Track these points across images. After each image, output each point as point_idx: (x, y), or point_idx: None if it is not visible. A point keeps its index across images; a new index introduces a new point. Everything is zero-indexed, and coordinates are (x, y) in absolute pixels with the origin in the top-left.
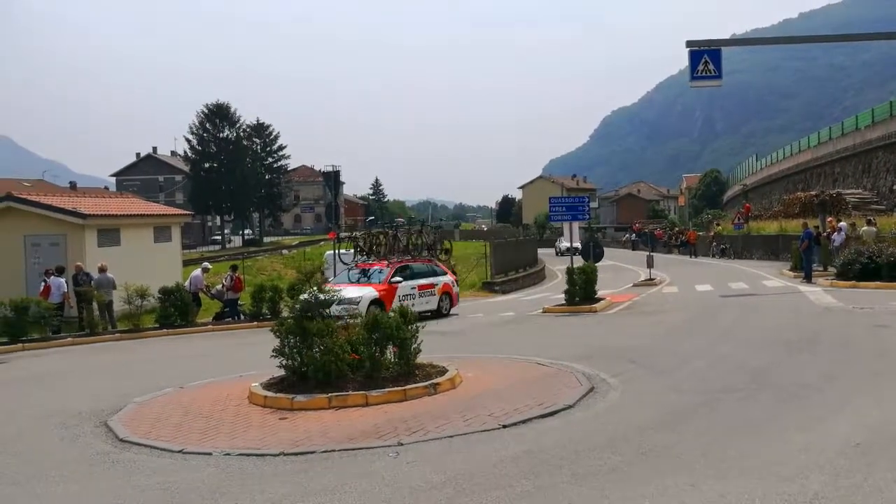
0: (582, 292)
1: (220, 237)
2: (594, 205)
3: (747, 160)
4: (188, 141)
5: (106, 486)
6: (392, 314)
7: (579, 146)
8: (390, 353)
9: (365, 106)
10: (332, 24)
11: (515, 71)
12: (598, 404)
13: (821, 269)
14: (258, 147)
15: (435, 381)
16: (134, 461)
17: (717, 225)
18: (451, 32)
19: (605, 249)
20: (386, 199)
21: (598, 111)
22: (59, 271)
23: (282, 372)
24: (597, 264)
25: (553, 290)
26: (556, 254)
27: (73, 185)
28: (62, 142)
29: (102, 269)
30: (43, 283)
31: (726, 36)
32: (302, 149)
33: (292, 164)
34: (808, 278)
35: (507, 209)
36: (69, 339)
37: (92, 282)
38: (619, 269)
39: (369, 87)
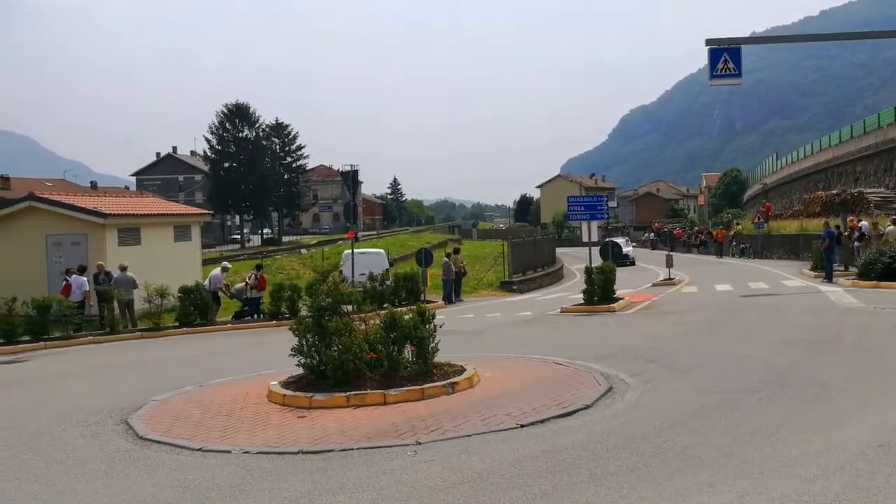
0: (600, 292)
1: (239, 236)
2: (613, 204)
3: (767, 159)
4: (208, 141)
5: (126, 484)
6: (410, 314)
7: (598, 145)
8: (408, 352)
9: (383, 106)
10: (351, 23)
11: (534, 69)
12: (616, 404)
13: (842, 268)
14: (277, 147)
15: (453, 380)
16: (154, 459)
17: (737, 224)
18: (471, 31)
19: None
20: (404, 199)
21: (616, 110)
22: (81, 270)
23: (300, 370)
24: (615, 264)
25: (571, 290)
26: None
27: (93, 185)
28: (83, 142)
29: (123, 269)
30: (64, 282)
31: (746, 34)
32: (320, 148)
33: (310, 163)
34: (828, 278)
35: (525, 208)
36: (90, 337)
37: (112, 281)
38: (637, 269)
39: (388, 87)
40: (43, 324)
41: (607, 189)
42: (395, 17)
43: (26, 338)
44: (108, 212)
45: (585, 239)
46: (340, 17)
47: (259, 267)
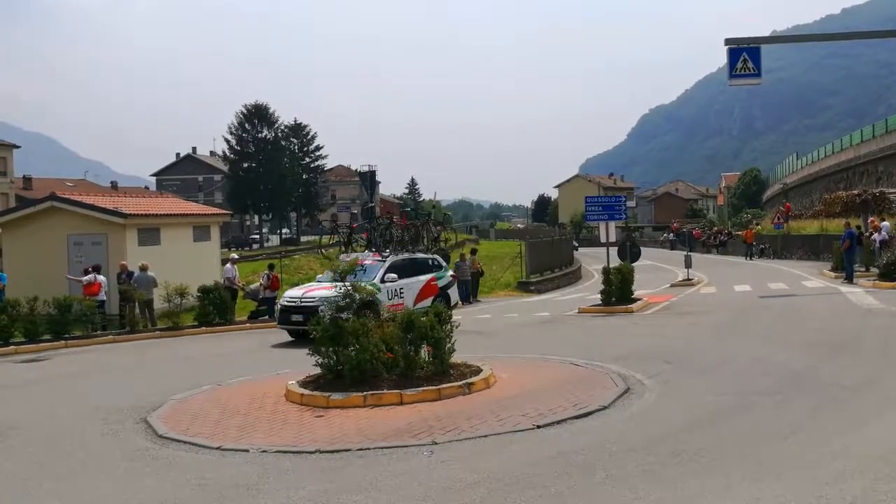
0: (618, 292)
1: (258, 236)
2: (631, 204)
3: (787, 159)
4: (227, 141)
5: (146, 482)
6: (427, 314)
7: (616, 145)
8: (425, 352)
9: (402, 106)
10: (371, 24)
11: (552, 68)
12: (633, 405)
13: (863, 269)
14: (295, 147)
15: (469, 380)
16: (173, 457)
17: (756, 224)
18: (490, 30)
19: (643, 249)
20: (421, 199)
21: (636, 109)
22: (96, 269)
23: (318, 370)
24: (633, 264)
25: (589, 290)
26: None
27: (114, 185)
28: (104, 143)
29: (143, 268)
30: (88, 281)
31: (766, 33)
32: (338, 149)
33: (329, 163)
34: (849, 279)
35: (543, 208)
36: (110, 336)
37: (132, 280)
38: (656, 269)
39: (406, 87)
40: (64, 323)
41: (626, 189)
42: (409, 14)
43: (47, 336)
44: (128, 212)
45: (603, 239)
46: (354, 17)
47: (272, 267)
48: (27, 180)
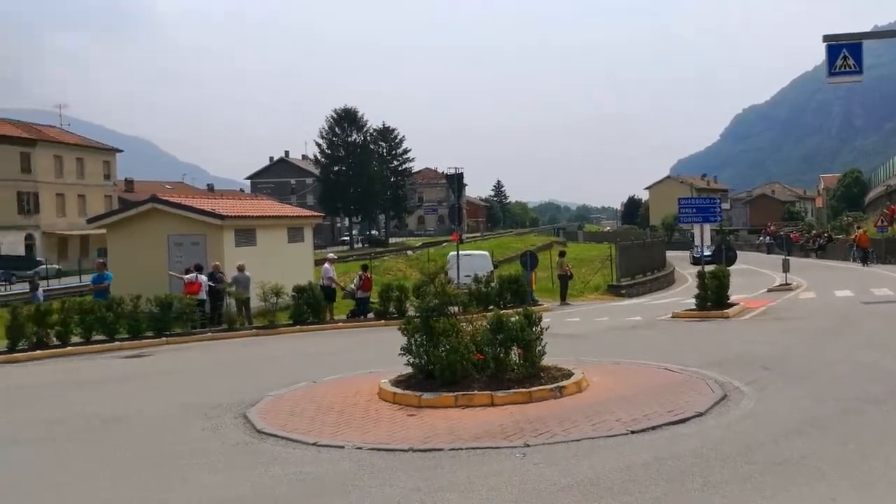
0: (714, 297)
1: (347, 238)
2: (726, 206)
3: (892, 159)
4: (318, 145)
5: (246, 475)
6: (517, 316)
7: (709, 145)
8: (515, 354)
9: (485, 107)
10: (454, 30)
11: (642, 67)
12: (731, 412)
13: None
14: (384, 150)
15: (560, 384)
16: (271, 452)
17: (858, 228)
18: (577, 27)
19: (738, 253)
20: (508, 201)
21: (729, 108)
22: (198, 269)
23: (409, 370)
24: (729, 268)
25: (682, 295)
26: (692, 262)
27: (210, 188)
28: (200, 146)
29: (241, 269)
30: (190, 280)
31: (868, 28)
32: (425, 152)
33: (416, 166)
34: None
35: (633, 210)
36: (209, 334)
37: (231, 280)
38: (752, 274)
39: (490, 89)
40: (165, 320)
41: (719, 191)
42: (500, 18)
43: (150, 333)
44: (225, 213)
45: (698, 242)
46: (441, 26)
47: (365, 268)
48: (129, 183)
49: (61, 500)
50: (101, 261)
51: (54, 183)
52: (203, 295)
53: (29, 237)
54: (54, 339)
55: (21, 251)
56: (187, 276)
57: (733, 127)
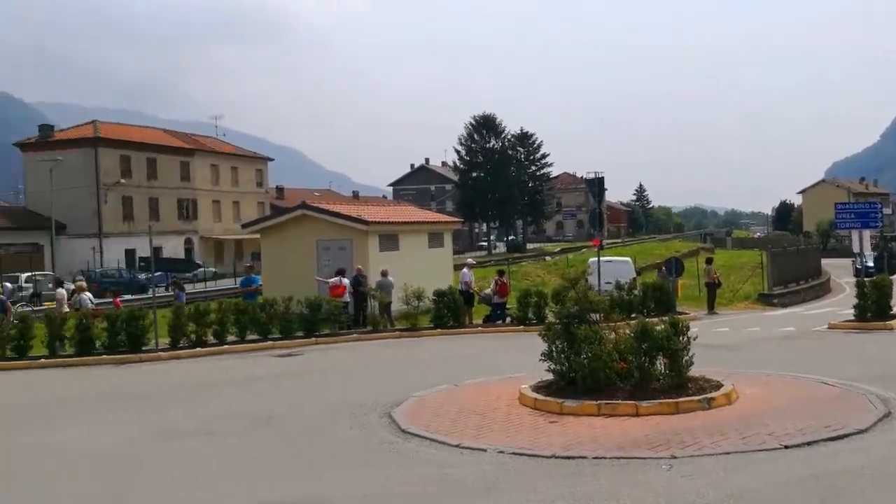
0: (874, 307)
1: (486, 243)
2: (887, 211)
3: None
4: (457, 152)
5: (392, 473)
6: (662, 325)
7: (867, 147)
8: (660, 363)
9: (626, 108)
10: (592, 33)
11: (791, 66)
12: (895, 430)
13: None
14: (522, 156)
15: (709, 395)
16: (416, 451)
17: None
18: (727, 29)
19: None
20: (650, 206)
21: (889, 107)
22: (340, 273)
23: (550, 376)
24: (892, 277)
25: (839, 305)
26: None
27: (355, 195)
28: (345, 155)
29: (384, 274)
30: (334, 283)
31: None
32: (563, 157)
33: (554, 171)
34: None
35: (785, 216)
36: (354, 335)
37: (376, 284)
38: None
39: (632, 91)
40: (314, 321)
41: (880, 195)
42: (623, 16)
43: (300, 334)
44: (369, 219)
45: (856, 249)
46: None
47: (501, 273)
48: (279, 190)
49: (222, 493)
50: (248, 264)
51: (211, 190)
52: (347, 297)
53: (188, 241)
54: (212, 337)
55: (181, 254)
56: (332, 279)
57: (895, 126)
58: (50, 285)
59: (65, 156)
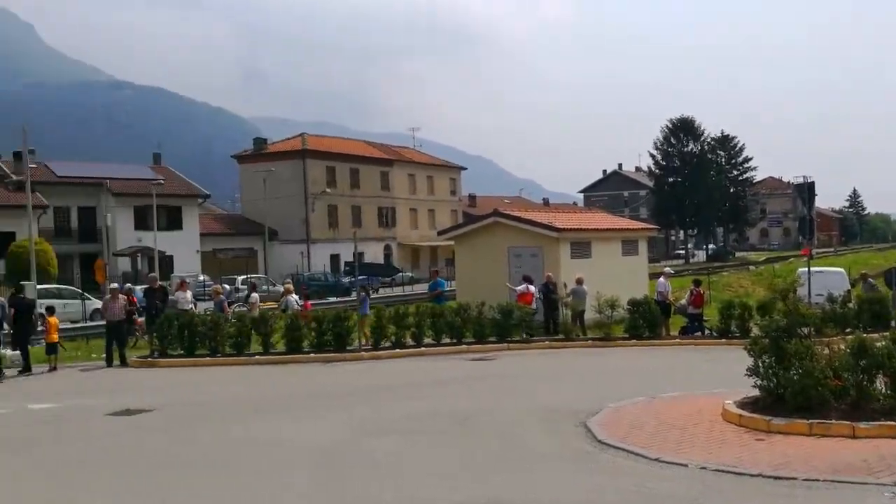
0: None
1: (683, 251)
2: None
3: None
4: (652, 156)
5: (590, 482)
6: (883, 341)
7: None
8: (880, 382)
9: (840, 109)
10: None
11: None
12: None
13: None
14: (722, 160)
15: None
16: (613, 463)
17: None
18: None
19: None
20: (866, 213)
21: None
22: (527, 280)
23: (756, 392)
24: None
25: None
26: None
27: (545, 202)
28: (534, 162)
29: (579, 282)
30: (522, 291)
31: None
32: (768, 160)
33: (758, 175)
34: None
35: None
36: (546, 342)
37: (570, 291)
38: None
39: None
40: (506, 327)
41: None
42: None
43: (492, 339)
44: (561, 226)
45: None
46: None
47: (697, 283)
48: (471, 198)
49: (425, 491)
50: (434, 269)
51: (408, 199)
52: (535, 305)
53: (387, 247)
54: (410, 339)
55: (380, 260)
56: (519, 287)
57: None
58: (243, 289)
59: (276, 167)
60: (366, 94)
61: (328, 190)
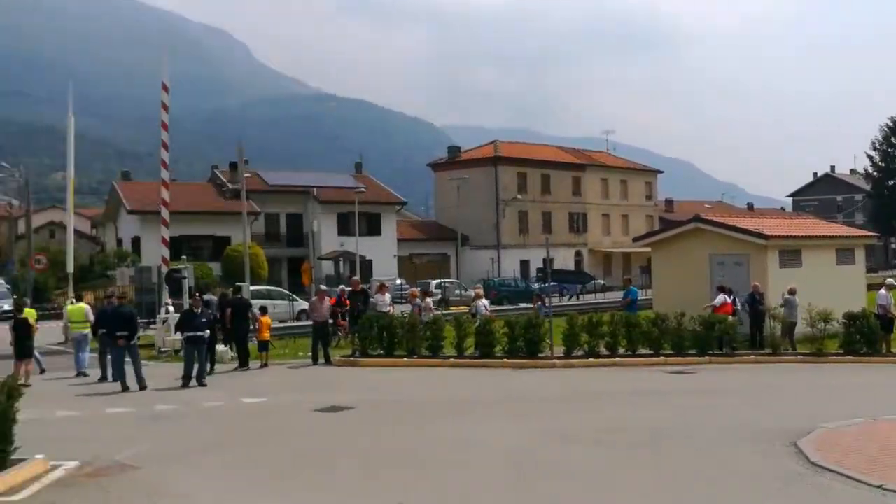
0: None
1: None
2: None
3: None
4: (870, 157)
5: None
6: None
7: None
8: None
9: None
10: None
11: None
12: None
13: None
14: None
15: None
16: (828, 487)
17: None
18: None
19: None
20: None
21: None
22: (721, 290)
23: None
24: None
25: None
26: None
27: (749, 207)
28: (738, 164)
29: (792, 292)
30: (720, 302)
31: None
32: None
33: None
34: None
35: None
36: (752, 356)
37: (782, 302)
38: None
39: None
40: (707, 339)
41: None
42: None
43: (692, 351)
44: (769, 233)
45: None
46: None
47: None
48: (668, 203)
49: None
50: (627, 277)
51: (601, 204)
52: (736, 316)
53: (577, 253)
54: (604, 349)
55: (570, 266)
56: (717, 299)
57: None
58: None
59: (469, 174)
60: (558, 98)
61: (519, 196)
